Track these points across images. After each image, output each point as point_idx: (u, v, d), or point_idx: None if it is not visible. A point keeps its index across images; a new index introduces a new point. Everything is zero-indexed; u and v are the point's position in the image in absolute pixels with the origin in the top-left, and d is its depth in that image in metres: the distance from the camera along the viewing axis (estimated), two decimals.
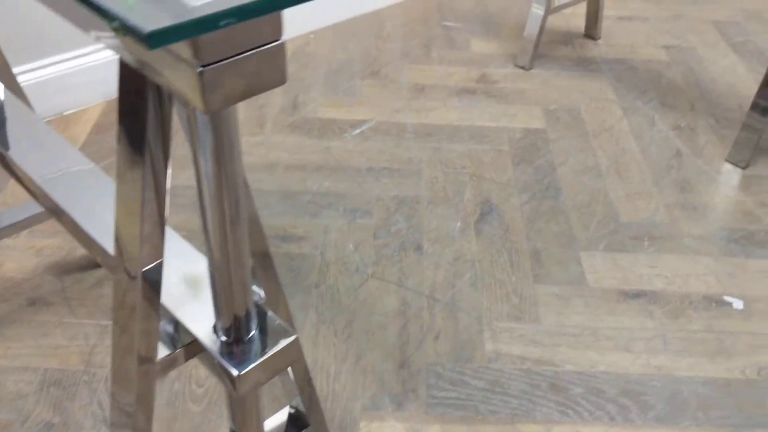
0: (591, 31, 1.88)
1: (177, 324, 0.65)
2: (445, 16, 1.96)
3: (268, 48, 0.44)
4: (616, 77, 1.71)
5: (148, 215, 0.53)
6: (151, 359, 0.61)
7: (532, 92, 1.64)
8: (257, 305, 0.63)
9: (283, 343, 0.61)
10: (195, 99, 0.43)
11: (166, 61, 0.44)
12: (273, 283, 0.71)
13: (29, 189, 0.80)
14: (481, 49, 1.81)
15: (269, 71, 0.45)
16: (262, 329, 0.62)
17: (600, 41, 1.87)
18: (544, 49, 1.82)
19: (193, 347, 0.64)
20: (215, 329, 0.62)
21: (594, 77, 1.71)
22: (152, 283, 0.57)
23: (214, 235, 0.55)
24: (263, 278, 0.70)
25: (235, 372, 0.59)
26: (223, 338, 0.61)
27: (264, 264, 0.69)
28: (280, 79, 0.46)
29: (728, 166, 1.43)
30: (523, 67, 1.74)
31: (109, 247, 0.69)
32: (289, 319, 0.74)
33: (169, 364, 0.63)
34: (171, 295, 0.65)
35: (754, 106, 1.39)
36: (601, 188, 1.36)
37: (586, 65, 1.76)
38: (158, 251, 0.56)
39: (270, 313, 0.64)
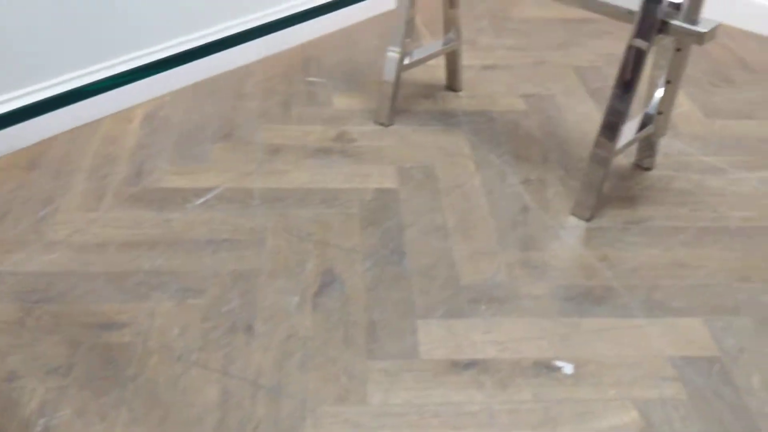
0: (452, 84, 1.89)
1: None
2: (309, 71, 1.95)
3: None
4: (474, 131, 1.72)
5: None
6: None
7: (388, 150, 1.64)
8: None
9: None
10: None
11: None
12: None
13: None
14: (342, 106, 1.80)
15: None
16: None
17: (462, 93, 1.89)
18: (406, 104, 1.82)
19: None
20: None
21: (452, 132, 1.72)
22: None
23: None
24: None
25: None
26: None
27: None
28: None
29: (572, 220, 1.45)
30: (382, 124, 1.73)
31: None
32: None
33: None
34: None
35: (593, 158, 1.41)
36: (446, 249, 1.35)
37: (446, 119, 1.77)
38: None
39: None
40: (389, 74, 1.69)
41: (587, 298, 1.26)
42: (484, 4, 2.42)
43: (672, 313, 1.23)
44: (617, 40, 2.17)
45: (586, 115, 1.80)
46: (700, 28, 1.25)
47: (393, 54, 1.68)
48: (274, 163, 1.57)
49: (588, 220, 1.44)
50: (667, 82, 1.35)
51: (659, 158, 1.64)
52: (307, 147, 1.63)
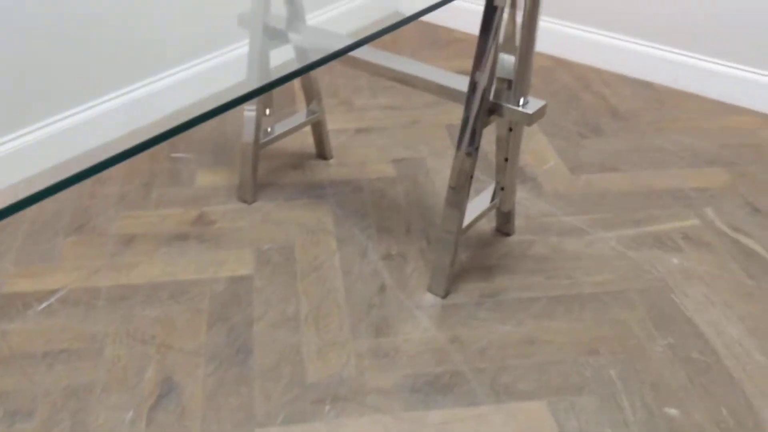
0: (321, 152, 1.87)
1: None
2: (176, 145, 1.90)
3: None
4: (340, 202, 1.71)
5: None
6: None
7: (248, 231, 1.60)
8: None
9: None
10: None
11: None
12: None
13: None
14: (206, 183, 1.76)
15: None
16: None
17: (332, 161, 1.87)
18: (273, 176, 1.80)
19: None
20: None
21: (317, 205, 1.69)
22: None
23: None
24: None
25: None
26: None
27: None
28: None
29: (429, 297, 1.44)
30: (245, 201, 1.70)
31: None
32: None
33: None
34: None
35: (441, 237, 1.40)
36: (294, 344, 1.32)
37: (312, 191, 1.75)
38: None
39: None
40: (248, 135, 1.64)
41: (434, 387, 1.24)
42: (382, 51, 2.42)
43: (517, 397, 1.23)
44: None
45: None
46: (528, 110, 1.26)
47: (250, 113, 1.63)
48: (126, 255, 1.52)
49: (444, 297, 1.44)
50: (505, 159, 1.36)
51: (522, 220, 1.65)
52: (163, 234, 1.58)
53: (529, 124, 1.27)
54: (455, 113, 2.09)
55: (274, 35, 1.57)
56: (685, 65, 2.23)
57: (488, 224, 1.64)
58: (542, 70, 2.36)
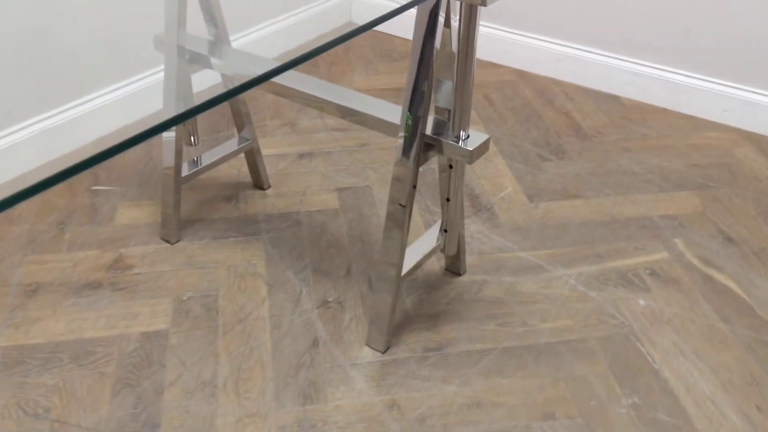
0: (257, 181, 1.71)
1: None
2: (98, 177, 1.73)
3: None
4: (274, 240, 1.54)
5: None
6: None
7: (168, 277, 1.44)
8: None
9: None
10: None
11: None
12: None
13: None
14: (127, 220, 1.59)
15: None
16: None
17: (269, 191, 1.71)
18: (202, 210, 1.63)
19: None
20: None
21: (248, 244, 1.53)
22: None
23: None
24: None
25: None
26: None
27: None
28: None
29: (367, 353, 1.28)
30: (168, 241, 1.53)
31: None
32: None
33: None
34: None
35: (377, 286, 1.25)
36: (208, 415, 1.16)
37: (244, 227, 1.58)
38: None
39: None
40: (168, 161, 1.47)
41: None
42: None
43: None
44: None
45: None
46: (468, 146, 1.11)
47: (169, 138, 1.46)
48: (28, 309, 1.35)
49: (383, 351, 1.28)
50: (447, 200, 1.21)
51: (474, 258, 1.50)
52: (73, 282, 1.41)
53: (470, 161, 1.12)
54: None
55: (194, 59, 1.40)
56: (654, 77, 2.09)
57: (438, 262, 1.49)
58: (503, 84, 2.22)
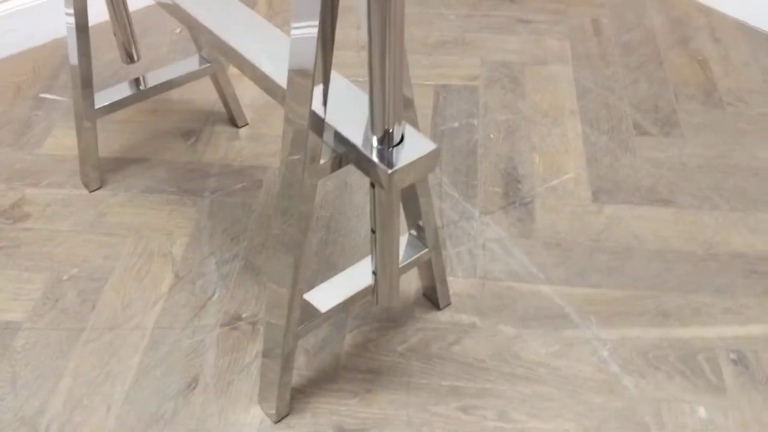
0: (232, 117, 1.30)
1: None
2: (55, 80, 1.39)
3: None
4: (216, 206, 1.15)
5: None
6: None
7: (61, 240, 1.10)
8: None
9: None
10: None
11: None
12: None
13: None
14: (55, 149, 1.25)
15: None
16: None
17: (244, 130, 1.30)
18: (150, 146, 1.26)
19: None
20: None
21: (182, 207, 1.15)
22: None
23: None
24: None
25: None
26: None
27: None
28: None
29: (255, 417, 0.89)
30: (87, 186, 1.18)
31: None
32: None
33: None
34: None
35: (266, 350, 0.83)
36: None
37: (187, 180, 1.20)
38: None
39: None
40: (72, 56, 1.07)
41: None
42: None
43: None
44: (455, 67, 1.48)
45: None
46: (389, 166, 0.63)
47: (70, 19, 1.04)
48: None
49: (276, 421, 0.89)
50: (372, 231, 0.74)
51: (471, 282, 1.03)
52: None
53: (390, 190, 0.64)
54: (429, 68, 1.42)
55: None
56: None
57: (416, 280, 1.03)
58: (627, 4, 1.59)
